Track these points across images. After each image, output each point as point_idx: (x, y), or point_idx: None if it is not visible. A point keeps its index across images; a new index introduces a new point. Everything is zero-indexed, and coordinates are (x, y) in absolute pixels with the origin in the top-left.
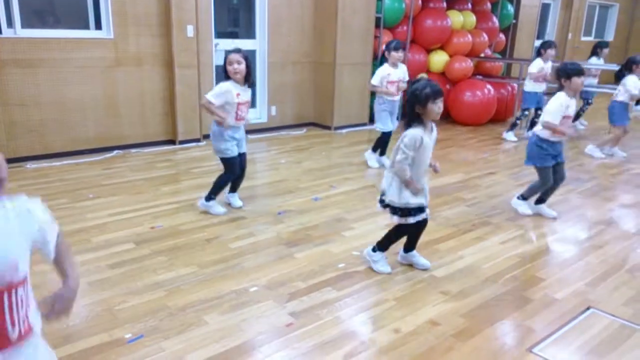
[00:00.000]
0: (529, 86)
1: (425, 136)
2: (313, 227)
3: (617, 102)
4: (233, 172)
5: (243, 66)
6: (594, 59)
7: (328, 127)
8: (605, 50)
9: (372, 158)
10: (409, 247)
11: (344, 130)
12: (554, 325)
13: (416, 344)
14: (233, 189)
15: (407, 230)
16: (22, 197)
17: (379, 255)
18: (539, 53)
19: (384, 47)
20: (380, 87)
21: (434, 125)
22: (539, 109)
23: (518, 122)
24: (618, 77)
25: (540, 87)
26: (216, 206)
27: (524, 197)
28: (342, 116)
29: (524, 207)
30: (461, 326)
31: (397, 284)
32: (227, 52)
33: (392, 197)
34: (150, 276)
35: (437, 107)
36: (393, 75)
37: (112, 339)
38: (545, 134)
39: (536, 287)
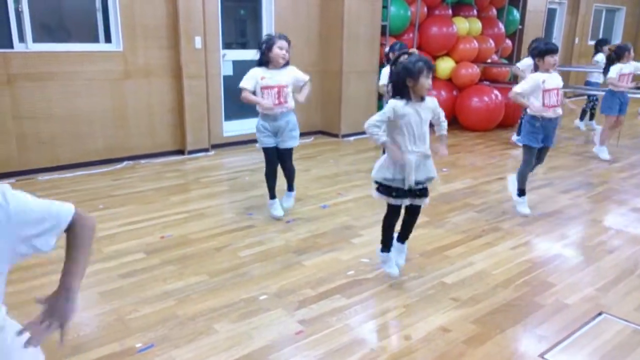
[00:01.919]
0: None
1: (408, 107)
2: (322, 234)
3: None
4: (268, 163)
5: (288, 54)
6: (599, 55)
7: (335, 135)
8: (606, 48)
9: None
10: (399, 237)
11: (351, 138)
12: (565, 331)
13: (427, 350)
14: (289, 187)
15: (392, 215)
16: None
17: (384, 255)
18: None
19: (387, 49)
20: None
21: (428, 97)
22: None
23: None
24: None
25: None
26: (273, 207)
27: (521, 192)
28: (350, 124)
29: (521, 206)
30: (472, 332)
31: (407, 291)
32: (274, 36)
33: (373, 172)
34: (160, 285)
35: (427, 82)
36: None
37: (123, 349)
38: (534, 110)
39: (547, 293)
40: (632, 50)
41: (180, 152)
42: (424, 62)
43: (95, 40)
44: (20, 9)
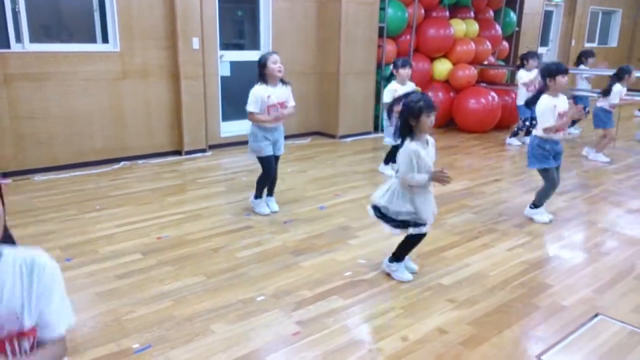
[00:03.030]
0: (522, 98)
1: (419, 148)
2: (319, 235)
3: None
4: (269, 170)
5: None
6: (582, 67)
7: (333, 136)
8: (591, 60)
9: (387, 169)
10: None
11: (348, 139)
12: (562, 332)
13: (424, 352)
14: (269, 193)
15: (419, 239)
16: (39, 252)
17: (395, 265)
18: (522, 64)
19: (392, 66)
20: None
21: (429, 137)
22: (533, 118)
23: (519, 131)
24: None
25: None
26: (260, 205)
27: (536, 205)
28: (347, 125)
29: (539, 215)
30: (469, 334)
31: (404, 292)
32: (267, 54)
33: (395, 208)
34: (157, 286)
35: (429, 120)
36: (400, 91)
37: (120, 349)
38: (545, 134)
39: (544, 294)
40: (632, 74)
41: (178, 152)
42: (424, 102)
43: (93, 40)
44: (17, 9)
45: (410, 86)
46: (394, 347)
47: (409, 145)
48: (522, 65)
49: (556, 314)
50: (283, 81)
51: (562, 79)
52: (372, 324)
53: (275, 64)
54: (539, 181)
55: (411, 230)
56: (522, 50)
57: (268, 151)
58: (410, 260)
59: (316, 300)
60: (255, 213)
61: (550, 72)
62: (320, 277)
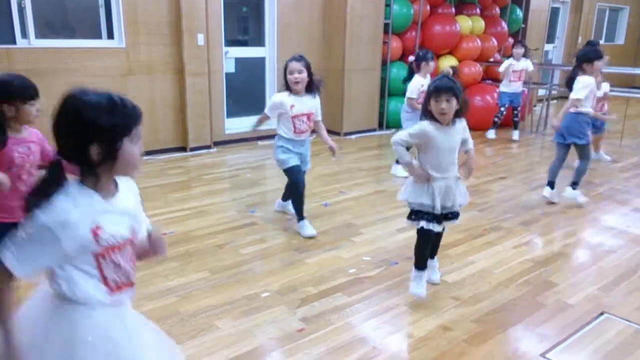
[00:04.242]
0: (504, 86)
1: (437, 131)
2: (323, 232)
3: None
4: (297, 182)
5: (304, 75)
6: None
7: (337, 133)
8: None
9: (399, 168)
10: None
11: (353, 136)
12: (567, 330)
13: (428, 349)
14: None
15: (424, 243)
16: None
17: (414, 272)
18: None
19: (412, 58)
20: (418, 99)
21: (459, 122)
22: (515, 108)
23: (497, 120)
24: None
25: (513, 87)
26: (305, 227)
27: (577, 184)
28: (352, 122)
29: (581, 197)
30: (473, 331)
31: (408, 289)
32: (288, 60)
33: (401, 195)
34: (162, 282)
35: (437, 106)
36: (425, 85)
37: None
38: (584, 109)
39: (549, 292)
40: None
41: (183, 149)
42: (434, 85)
43: (98, 36)
44: (22, 5)
45: (429, 80)
46: (398, 344)
47: (421, 123)
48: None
49: (561, 312)
50: (311, 90)
51: (599, 63)
52: (377, 321)
53: (291, 75)
54: (543, 179)
55: (412, 223)
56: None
57: (293, 162)
58: (435, 267)
59: (320, 297)
60: (301, 235)
61: (589, 58)
62: (325, 274)
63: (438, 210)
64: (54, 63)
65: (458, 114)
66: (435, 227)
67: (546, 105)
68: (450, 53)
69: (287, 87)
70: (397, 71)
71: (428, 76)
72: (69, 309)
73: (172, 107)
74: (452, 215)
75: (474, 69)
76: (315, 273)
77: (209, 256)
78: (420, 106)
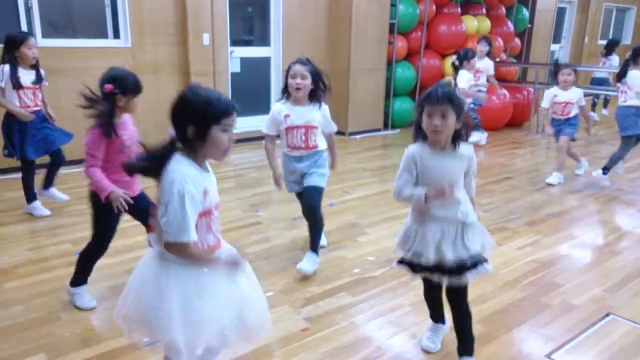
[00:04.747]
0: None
1: (427, 157)
2: (328, 232)
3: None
4: (306, 211)
5: (308, 82)
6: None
7: (342, 133)
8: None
9: None
10: (457, 349)
11: (358, 136)
12: (572, 331)
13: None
14: (311, 246)
15: (427, 289)
16: None
17: (431, 325)
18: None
19: (455, 57)
20: (467, 90)
21: (462, 147)
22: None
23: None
24: (622, 73)
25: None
26: (306, 261)
27: (608, 169)
28: (357, 122)
29: (606, 181)
30: (478, 332)
31: (413, 289)
32: (292, 63)
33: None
34: None
35: (429, 121)
36: (472, 80)
37: (130, 342)
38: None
39: (554, 293)
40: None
41: None
42: (425, 95)
43: (104, 36)
44: (29, 5)
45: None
46: (403, 344)
47: (409, 148)
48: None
49: (566, 313)
50: (315, 100)
51: None
52: (381, 320)
53: (293, 79)
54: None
55: (402, 269)
56: (534, 47)
57: (290, 188)
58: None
59: (325, 297)
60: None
61: None
62: (329, 274)
63: (429, 260)
64: (60, 62)
65: (460, 136)
66: (436, 278)
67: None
68: (456, 53)
69: (285, 92)
70: (403, 71)
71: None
72: (170, 264)
73: None
74: (458, 269)
75: None
76: (319, 273)
77: None
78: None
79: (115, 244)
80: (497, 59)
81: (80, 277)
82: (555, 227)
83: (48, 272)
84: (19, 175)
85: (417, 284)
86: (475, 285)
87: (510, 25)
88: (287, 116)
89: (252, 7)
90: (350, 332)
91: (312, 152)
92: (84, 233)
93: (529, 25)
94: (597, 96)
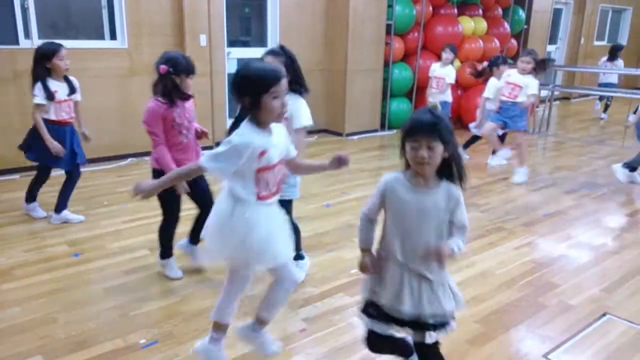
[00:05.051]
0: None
1: (404, 191)
2: (325, 233)
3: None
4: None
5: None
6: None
7: (340, 134)
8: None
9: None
10: None
11: (355, 137)
12: (569, 331)
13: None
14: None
15: (376, 343)
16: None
17: None
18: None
19: (487, 63)
20: (493, 100)
21: (446, 184)
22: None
23: None
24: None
25: (433, 96)
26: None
27: (634, 168)
28: (354, 123)
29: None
30: (476, 332)
31: None
32: (264, 54)
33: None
34: (164, 282)
35: (415, 153)
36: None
37: (127, 344)
38: None
39: (551, 293)
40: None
41: None
42: (410, 122)
43: (101, 37)
44: (26, 5)
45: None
46: None
47: (385, 176)
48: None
49: (563, 313)
50: (295, 89)
51: None
52: None
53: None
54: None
55: (366, 322)
56: (530, 48)
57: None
58: None
59: (322, 298)
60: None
61: None
62: (327, 275)
63: (387, 304)
64: None
65: (446, 171)
66: (394, 332)
67: (549, 107)
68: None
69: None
70: (400, 72)
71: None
72: (232, 202)
73: None
74: (426, 327)
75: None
76: (317, 274)
77: None
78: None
79: (111, 245)
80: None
81: (165, 251)
82: (552, 227)
83: (45, 273)
84: (17, 176)
85: None
86: (472, 286)
87: (507, 26)
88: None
89: (249, 8)
90: (348, 333)
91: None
92: (81, 234)
93: (525, 27)
94: (609, 98)
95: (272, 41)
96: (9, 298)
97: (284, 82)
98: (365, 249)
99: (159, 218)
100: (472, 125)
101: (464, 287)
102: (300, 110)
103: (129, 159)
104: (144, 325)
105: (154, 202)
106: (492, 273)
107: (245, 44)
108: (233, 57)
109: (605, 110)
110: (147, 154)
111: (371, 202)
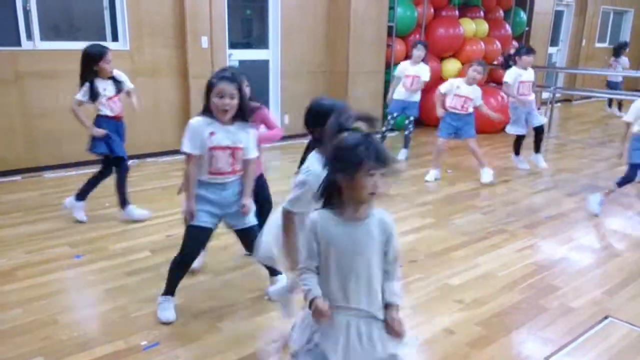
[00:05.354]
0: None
1: (334, 226)
2: None
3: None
4: (190, 250)
5: (236, 102)
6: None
7: None
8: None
9: (521, 161)
10: None
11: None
12: (571, 334)
13: (431, 352)
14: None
15: None
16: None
17: None
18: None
19: (513, 51)
20: (512, 86)
21: (379, 212)
22: (407, 118)
23: (384, 130)
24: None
25: (405, 94)
26: (163, 308)
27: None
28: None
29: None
30: (477, 335)
31: (412, 292)
32: (217, 79)
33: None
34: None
35: (372, 181)
36: (524, 76)
37: (128, 346)
38: None
39: (552, 296)
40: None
41: None
42: (366, 147)
43: (103, 38)
44: (28, 7)
45: (531, 72)
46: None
47: (317, 213)
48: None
49: (565, 315)
50: (242, 117)
51: None
52: None
53: (221, 99)
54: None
55: None
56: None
57: (201, 220)
58: None
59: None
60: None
61: None
62: None
63: None
64: (58, 65)
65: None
66: None
67: (550, 109)
68: (454, 56)
69: (207, 110)
70: None
71: (530, 69)
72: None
73: (176, 109)
74: None
75: None
76: None
77: (213, 258)
78: (515, 95)
79: (113, 247)
80: (495, 62)
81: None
82: (554, 229)
83: (47, 275)
84: (18, 177)
85: (416, 287)
86: (473, 289)
87: (508, 28)
88: (212, 133)
89: (250, 10)
90: None
91: (239, 179)
92: (83, 236)
93: (527, 28)
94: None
95: (274, 43)
96: (10, 299)
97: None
98: (317, 295)
99: (160, 220)
100: (508, 128)
101: (465, 289)
102: (252, 141)
103: (130, 161)
104: (145, 327)
105: (155, 203)
106: (494, 275)
107: (246, 46)
108: (234, 58)
109: (619, 108)
110: (148, 155)
111: (306, 250)
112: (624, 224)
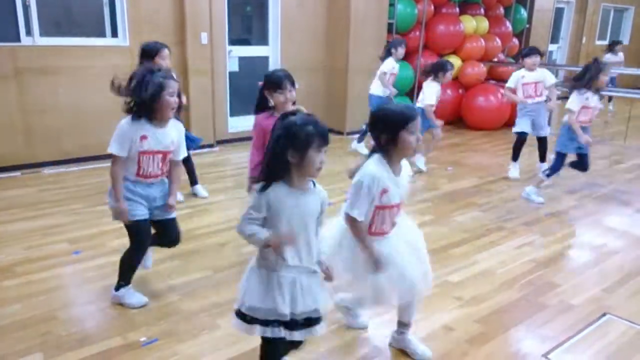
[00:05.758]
0: (377, 88)
1: (289, 197)
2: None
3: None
4: (139, 243)
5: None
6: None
7: (340, 133)
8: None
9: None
10: None
11: (356, 136)
12: (569, 331)
13: (430, 349)
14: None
15: (274, 349)
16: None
17: None
18: (389, 52)
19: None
20: (513, 88)
21: (318, 188)
22: None
23: (364, 127)
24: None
25: (385, 92)
26: (130, 295)
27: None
28: (355, 122)
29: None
30: (476, 332)
31: None
32: (163, 77)
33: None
34: (164, 280)
35: (320, 157)
36: (528, 78)
37: (126, 342)
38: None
39: (552, 293)
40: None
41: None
42: (315, 127)
43: (102, 34)
44: (27, 3)
45: (541, 73)
46: None
47: (271, 188)
48: (390, 54)
49: (564, 312)
50: (176, 116)
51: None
52: (379, 320)
53: (172, 97)
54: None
55: (245, 328)
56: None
57: (138, 213)
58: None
59: None
60: (127, 305)
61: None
62: None
63: (285, 314)
64: (58, 61)
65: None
66: (288, 335)
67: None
68: (454, 53)
69: (144, 110)
70: (401, 71)
71: (538, 70)
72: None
73: None
74: (312, 322)
75: (478, 69)
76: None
77: (212, 255)
78: (515, 98)
79: (112, 243)
80: (496, 60)
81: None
82: (553, 227)
83: (45, 270)
84: (18, 173)
85: None
86: (472, 286)
87: (509, 25)
88: (144, 137)
89: (250, 6)
90: (348, 331)
91: (165, 177)
92: (81, 232)
93: (527, 26)
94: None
95: (274, 40)
96: (9, 295)
97: (419, 120)
98: (267, 236)
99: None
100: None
101: (465, 286)
102: (183, 141)
103: None
104: (144, 323)
105: None
106: (493, 272)
107: (246, 43)
108: (234, 55)
109: (610, 100)
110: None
111: (251, 216)
112: (623, 222)
